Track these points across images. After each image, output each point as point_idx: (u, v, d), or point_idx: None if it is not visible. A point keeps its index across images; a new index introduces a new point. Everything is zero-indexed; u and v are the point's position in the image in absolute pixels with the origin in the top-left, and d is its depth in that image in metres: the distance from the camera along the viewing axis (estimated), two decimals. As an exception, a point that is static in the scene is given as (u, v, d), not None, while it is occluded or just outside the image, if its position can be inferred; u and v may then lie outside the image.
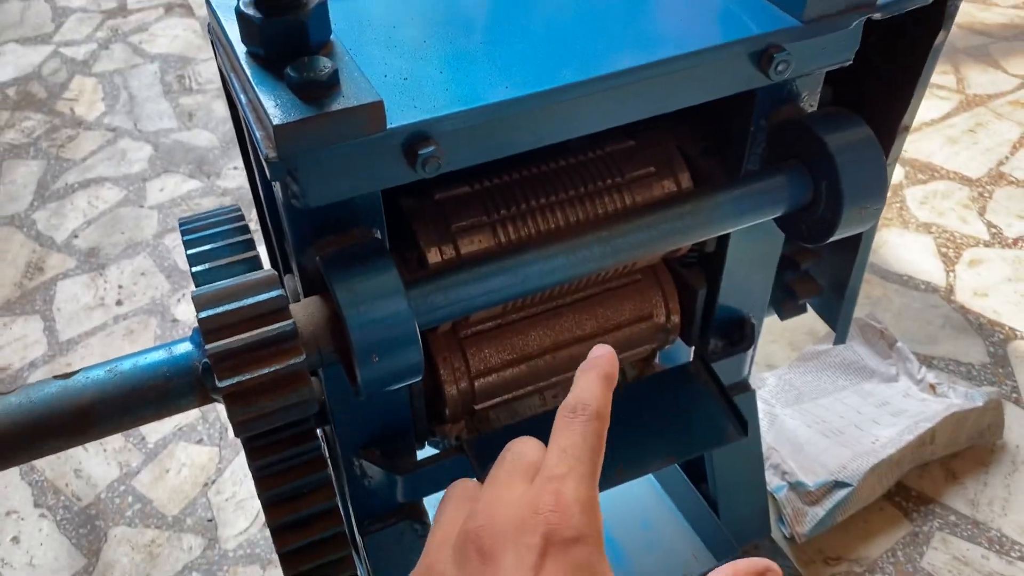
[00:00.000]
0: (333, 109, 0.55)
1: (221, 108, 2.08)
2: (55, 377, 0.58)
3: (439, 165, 0.60)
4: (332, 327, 0.62)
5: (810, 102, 0.76)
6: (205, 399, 0.60)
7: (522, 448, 0.46)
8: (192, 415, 1.34)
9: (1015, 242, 1.65)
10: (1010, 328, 1.48)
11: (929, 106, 2.01)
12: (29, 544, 1.20)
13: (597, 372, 0.48)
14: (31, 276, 1.63)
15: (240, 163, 1.89)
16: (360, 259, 0.62)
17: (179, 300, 1.55)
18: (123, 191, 1.83)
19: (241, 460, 1.28)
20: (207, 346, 0.57)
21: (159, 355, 0.60)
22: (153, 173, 1.88)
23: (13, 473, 1.28)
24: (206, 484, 1.26)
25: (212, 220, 0.78)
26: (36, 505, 1.25)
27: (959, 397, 1.27)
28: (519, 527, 0.41)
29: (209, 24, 0.68)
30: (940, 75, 2.13)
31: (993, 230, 1.68)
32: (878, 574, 1.15)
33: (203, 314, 0.58)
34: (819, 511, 1.14)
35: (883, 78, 0.81)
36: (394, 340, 0.61)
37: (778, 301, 0.99)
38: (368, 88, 0.57)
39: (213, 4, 0.66)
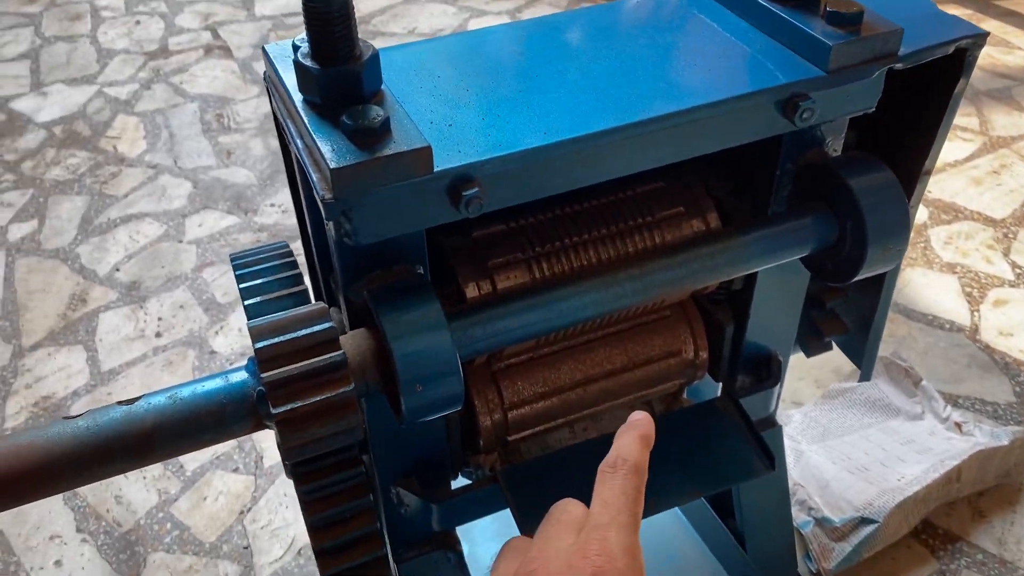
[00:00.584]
0: (385, 154, 0.59)
1: (258, 146, 2.14)
2: (119, 403, 0.62)
3: (481, 205, 0.63)
4: (378, 358, 0.65)
5: (834, 146, 0.79)
6: (259, 425, 0.63)
7: (568, 506, 0.53)
8: (229, 444, 1.38)
9: (1040, 282, 1.66)
10: (1036, 367, 1.48)
11: (953, 148, 2.03)
12: (71, 568, 1.23)
13: (635, 432, 0.55)
14: (74, 308, 1.68)
15: (277, 200, 1.95)
16: (405, 294, 0.66)
17: (217, 332, 1.60)
18: (163, 226, 1.89)
19: (276, 489, 1.31)
20: (262, 374, 0.60)
21: (216, 383, 0.63)
22: (192, 209, 1.94)
23: (56, 499, 1.32)
24: (242, 512, 1.29)
25: (262, 255, 0.81)
26: (78, 530, 1.28)
27: (985, 436, 1.28)
28: (569, 571, 0.46)
29: (265, 73, 0.73)
30: (963, 117, 2.15)
31: (1018, 270, 1.69)
32: (905, 612, 1.16)
33: (259, 344, 0.61)
34: (845, 547, 1.15)
35: (906, 123, 0.84)
36: (437, 371, 0.64)
37: (804, 339, 1.01)
38: (417, 134, 0.61)
39: (270, 54, 0.70)
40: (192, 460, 1.36)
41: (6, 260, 1.82)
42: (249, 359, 0.64)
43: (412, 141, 0.60)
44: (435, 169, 0.61)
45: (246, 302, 0.75)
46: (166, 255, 1.80)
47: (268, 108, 2.30)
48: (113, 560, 1.24)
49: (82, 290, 1.73)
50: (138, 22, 2.87)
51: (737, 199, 0.84)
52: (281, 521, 1.27)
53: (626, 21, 0.80)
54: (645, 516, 0.87)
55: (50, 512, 1.31)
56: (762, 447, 0.91)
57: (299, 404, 0.60)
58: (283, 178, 2.01)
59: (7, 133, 2.28)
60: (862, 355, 1.01)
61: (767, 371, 0.98)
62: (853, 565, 1.17)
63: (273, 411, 0.60)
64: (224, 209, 1.94)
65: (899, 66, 0.73)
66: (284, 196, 1.96)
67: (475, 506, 0.88)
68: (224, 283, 1.72)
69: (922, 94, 0.81)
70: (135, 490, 1.33)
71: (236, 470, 1.35)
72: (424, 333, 0.64)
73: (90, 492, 1.33)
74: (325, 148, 0.59)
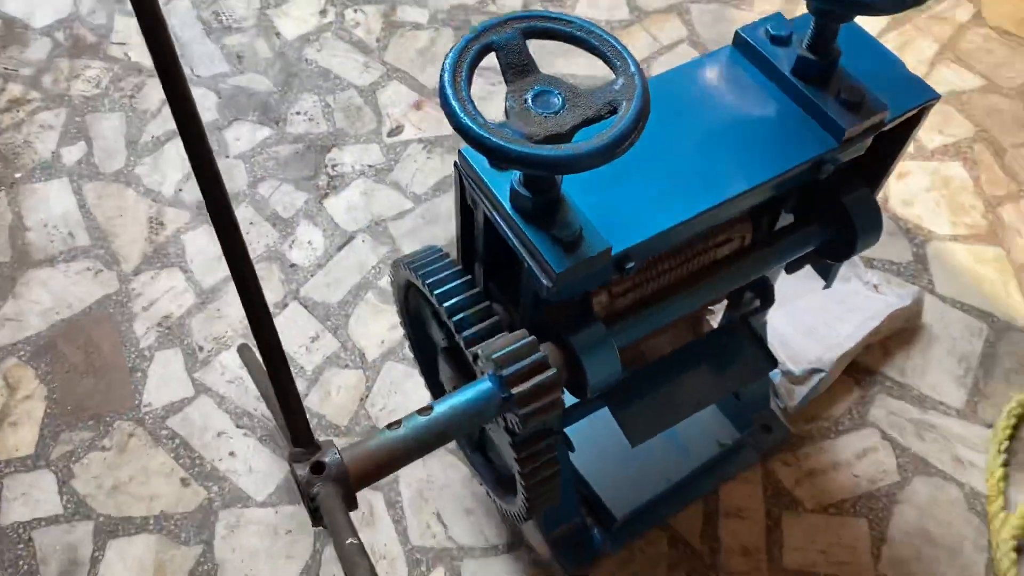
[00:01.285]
0: (586, 257, 0.88)
1: (263, 48, 2.24)
2: (417, 413, 0.94)
3: (634, 268, 0.94)
4: (567, 364, 0.98)
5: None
6: (503, 412, 0.96)
7: None
8: (335, 345, 1.69)
9: (932, 154, 2.04)
10: (928, 231, 1.90)
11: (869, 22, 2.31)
12: (244, 455, 1.57)
13: None
14: (156, 231, 1.88)
15: (299, 108, 2.10)
16: (580, 323, 0.98)
17: (290, 246, 1.84)
18: (206, 143, 2.04)
19: (382, 379, 1.65)
20: (513, 391, 0.92)
21: (474, 392, 0.95)
22: (224, 122, 2.09)
23: (210, 404, 1.62)
24: (361, 399, 1.63)
25: (437, 265, 1.09)
26: (238, 427, 1.60)
27: (894, 296, 1.70)
28: None
29: (456, 162, 0.98)
30: None
31: (918, 144, 2.06)
32: (840, 426, 1.63)
33: (506, 371, 0.93)
34: (804, 389, 1.59)
35: (878, 145, 1.15)
36: (608, 365, 0.98)
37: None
38: (601, 239, 0.89)
39: (468, 157, 0.95)
40: (309, 362, 1.67)
41: (72, 187, 1.97)
42: (489, 374, 0.96)
43: (599, 246, 0.89)
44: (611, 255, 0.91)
45: (454, 319, 1.05)
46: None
47: (259, 4, 2.37)
48: (271, 446, 1.58)
49: (156, 212, 1.91)
50: None
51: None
52: (394, 404, 1.62)
53: (697, 88, 1.06)
54: (691, 415, 1.26)
55: (208, 416, 1.61)
56: (767, 354, 1.30)
57: (535, 405, 0.93)
58: (299, 83, 2.15)
59: (11, 42, 2.29)
60: (828, 274, 1.38)
61: (764, 295, 1.34)
62: (808, 402, 1.62)
63: (520, 411, 0.93)
64: (255, 120, 2.09)
65: (885, 128, 1.04)
66: (304, 104, 2.12)
67: (579, 411, 1.25)
68: (279, 198, 1.93)
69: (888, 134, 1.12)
70: (272, 390, 1.65)
71: (347, 366, 1.67)
72: (599, 347, 0.97)
73: (234, 395, 1.64)
74: (547, 255, 0.88)
